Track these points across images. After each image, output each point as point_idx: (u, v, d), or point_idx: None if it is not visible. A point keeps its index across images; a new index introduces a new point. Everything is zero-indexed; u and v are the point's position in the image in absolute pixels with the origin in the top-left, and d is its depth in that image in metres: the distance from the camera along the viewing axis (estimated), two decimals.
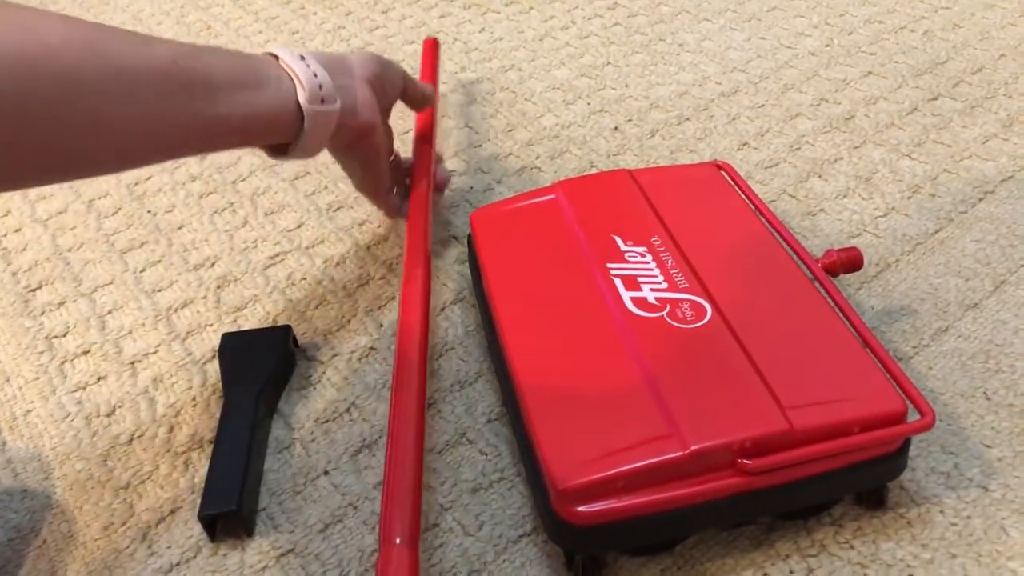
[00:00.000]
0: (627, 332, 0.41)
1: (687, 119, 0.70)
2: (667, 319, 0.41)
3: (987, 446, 0.42)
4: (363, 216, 0.63)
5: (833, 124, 0.68)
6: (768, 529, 0.40)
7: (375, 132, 0.49)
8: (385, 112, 0.52)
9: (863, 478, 0.38)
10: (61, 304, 0.58)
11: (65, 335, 0.55)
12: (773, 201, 0.60)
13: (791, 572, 0.38)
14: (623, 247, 0.46)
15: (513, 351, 0.42)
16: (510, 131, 0.71)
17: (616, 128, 0.70)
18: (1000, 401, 0.44)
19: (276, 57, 0.45)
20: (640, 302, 0.42)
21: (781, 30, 0.82)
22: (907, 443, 0.38)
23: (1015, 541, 0.38)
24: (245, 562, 0.41)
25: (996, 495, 0.40)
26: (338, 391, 0.49)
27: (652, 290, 0.43)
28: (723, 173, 0.52)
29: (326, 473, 0.44)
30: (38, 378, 0.52)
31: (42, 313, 0.57)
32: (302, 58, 0.45)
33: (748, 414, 0.36)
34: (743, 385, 0.37)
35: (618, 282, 0.44)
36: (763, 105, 0.71)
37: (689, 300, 0.42)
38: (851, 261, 0.47)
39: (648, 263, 0.45)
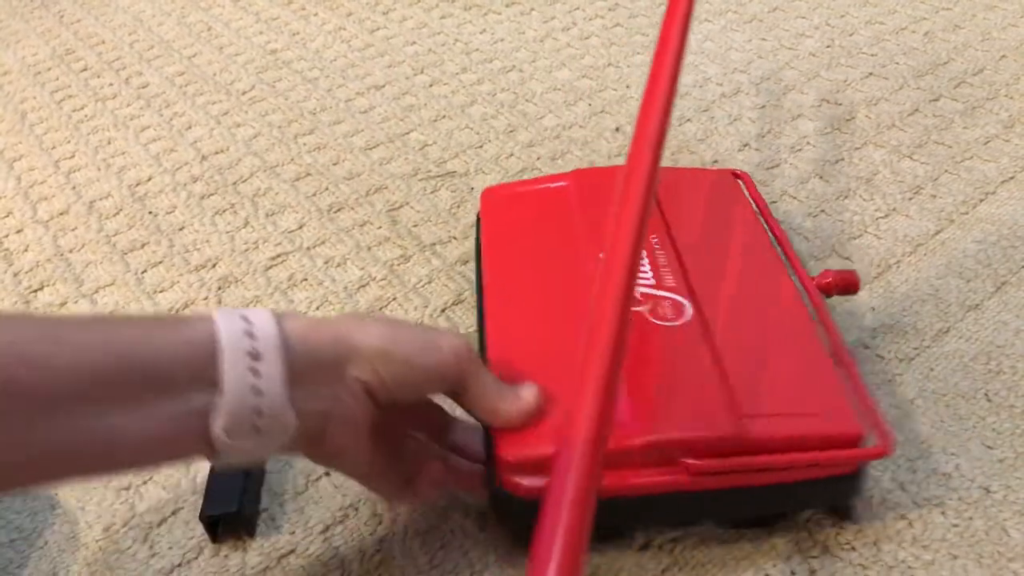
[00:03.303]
0: None
1: (688, 120, 0.70)
2: (646, 314, 0.41)
3: (989, 447, 0.42)
4: (364, 217, 0.63)
5: (834, 125, 0.68)
6: (769, 530, 0.40)
7: (345, 454, 0.34)
8: (378, 419, 0.34)
9: (817, 495, 0.38)
10: (62, 305, 0.58)
11: None
12: (774, 202, 0.60)
13: (792, 573, 0.38)
14: None
15: (491, 326, 0.42)
16: (511, 132, 0.71)
17: (617, 129, 0.70)
18: (1001, 402, 0.44)
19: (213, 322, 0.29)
20: None
21: (782, 31, 0.82)
22: (864, 466, 0.38)
23: (1017, 542, 0.38)
24: (247, 563, 0.41)
25: (998, 496, 0.40)
26: None
27: (639, 285, 0.43)
28: (740, 182, 0.53)
29: (328, 474, 0.44)
30: None
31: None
32: (252, 361, 0.28)
33: (701, 415, 0.36)
34: (704, 387, 0.38)
35: None
36: (764, 106, 0.71)
37: (671, 299, 0.42)
38: (846, 285, 0.46)
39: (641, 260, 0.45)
